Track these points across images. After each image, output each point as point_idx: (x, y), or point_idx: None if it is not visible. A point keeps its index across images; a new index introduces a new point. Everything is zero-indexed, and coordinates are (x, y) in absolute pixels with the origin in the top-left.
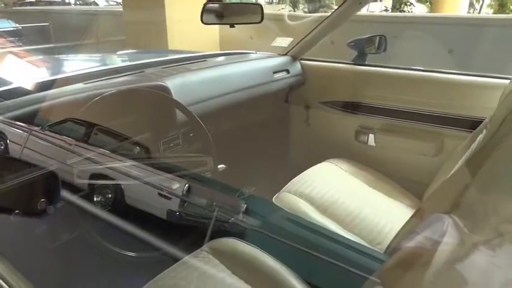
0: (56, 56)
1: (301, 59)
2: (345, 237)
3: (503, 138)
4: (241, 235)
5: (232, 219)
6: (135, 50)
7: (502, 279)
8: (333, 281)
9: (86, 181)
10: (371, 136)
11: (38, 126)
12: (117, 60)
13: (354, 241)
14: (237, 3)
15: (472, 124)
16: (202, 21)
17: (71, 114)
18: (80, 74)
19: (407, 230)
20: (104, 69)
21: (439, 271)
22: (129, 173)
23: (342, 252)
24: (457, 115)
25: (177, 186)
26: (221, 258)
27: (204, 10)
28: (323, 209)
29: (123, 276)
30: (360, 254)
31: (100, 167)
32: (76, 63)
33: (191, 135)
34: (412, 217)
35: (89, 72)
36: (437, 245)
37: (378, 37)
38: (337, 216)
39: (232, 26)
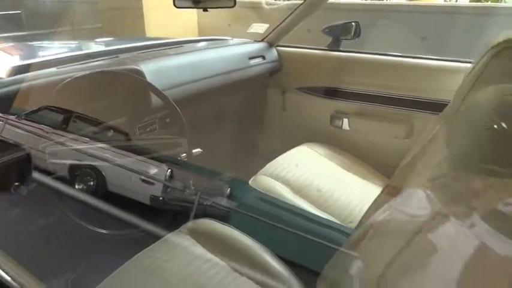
0: (29, 42)
1: (277, 46)
2: (317, 215)
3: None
4: (221, 217)
5: (212, 201)
6: (111, 38)
7: (469, 248)
8: (306, 254)
9: (67, 161)
10: (345, 120)
11: (13, 115)
12: (92, 46)
13: (325, 218)
14: None
15: (440, 107)
16: (175, 5)
17: (44, 99)
18: (53, 59)
19: (377, 206)
20: (78, 55)
21: (410, 240)
22: (110, 160)
23: (315, 229)
24: (425, 98)
25: (159, 171)
26: (198, 238)
27: None
28: (298, 191)
29: (102, 256)
30: (330, 230)
31: (80, 154)
32: (49, 50)
33: (167, 120)
34: (381, 193)
35: (62, 58)
36: (409, 217)
37: (352, 23)
38: (311, 197)
39: (205, 10)
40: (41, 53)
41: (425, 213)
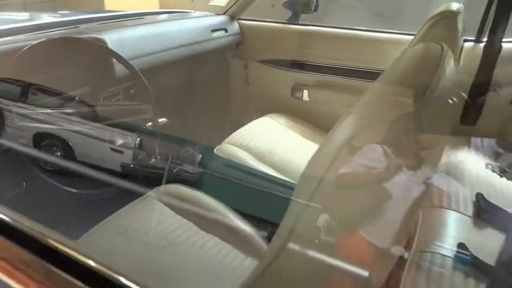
0: None
1: (239, 19)
2: (276, 176)
3: None
4: (190, 182)
5: (180, 168)
6: (68, 11)
7: (418, 192)
8: (267, 210)
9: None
10: (305, 92)
11: None
12: (47, 18)
13: (283, 179)
14: None
15: None
16: None
17: (1, 68)
18: (8, 29)
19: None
20: (34, 24)
21: (369, 189)
22: (75, 130)
23: (274, 188)
24: (376, 69)
25: (128, 140)
26: (165, 201)
27: None
28: (260, 157)
29: (74, 217)
30: (288, 189)
31: (43, 126)
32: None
33: (131, 91)
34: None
35: (17, 27)
36: (368, 169)
37: None
38: (273, 163)
39: None
40: None
41: (382, 166)
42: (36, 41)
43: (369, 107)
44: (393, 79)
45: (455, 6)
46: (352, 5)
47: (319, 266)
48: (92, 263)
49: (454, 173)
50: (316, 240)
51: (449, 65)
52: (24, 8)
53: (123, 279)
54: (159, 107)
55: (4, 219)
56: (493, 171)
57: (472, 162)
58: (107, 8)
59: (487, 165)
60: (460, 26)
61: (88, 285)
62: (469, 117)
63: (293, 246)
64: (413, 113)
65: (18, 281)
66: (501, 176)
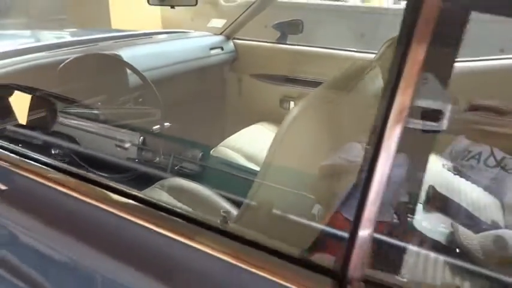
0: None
1: (234, 38)
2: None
3: None
4: (190, 176)
5: (181, 165)
6: (80, 29)
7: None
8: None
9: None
10: (291, 103)
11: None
12: (71, 36)
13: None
14: None
15: None
16: (148, 3)
17: (40, 78)
18: (40, 46)
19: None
20: (63, 42)
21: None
22: (85, 129)
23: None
24: None
25: (133, 138)
26: (169, 192)
27: None
28: (249, 158)
29: None
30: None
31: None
32: (23, 38)
33: (140, 100)
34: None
35: (48, 44)
36: (351, 162)
37: (296, 21)
38: (260, 162)
39: (172, 7)
40: (18, 41)
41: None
42: (72, 57)
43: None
44: (331, 84)
45: None
46: (337, 27)
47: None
48: None
49: None
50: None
51: (372, 77)
52: (39, 26)
53: None
54: (163, 112)
55: None
56: (448, 170)
57: (431, 162)
58: (113, 26)
59: (443, 165)
60: None
61: None
62: None
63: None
64: (341, 105)
65: None
66: (454, 174)
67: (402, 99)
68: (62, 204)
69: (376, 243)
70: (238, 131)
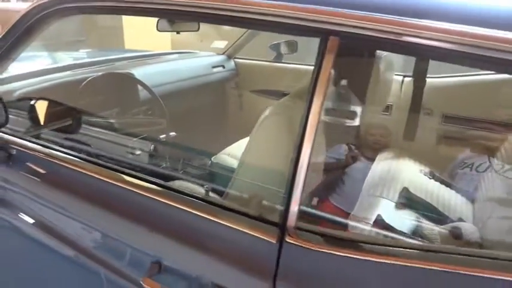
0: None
1: (234, 58)
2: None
3: None
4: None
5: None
6: (97, 50)
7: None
8: None
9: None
10: None
11: None
12: (92, 58)
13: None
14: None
15: None
16: (158, 29)
17: (63, 94)
18: (67, 65)
19: None
20: (86, 62)
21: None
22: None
23: None
24: None
25: (144, 146)
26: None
27: (159, 21)
28: None
29: None
30: None
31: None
32: (50, 59)
33: (149, 112)
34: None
35: (74, 64)
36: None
37: (291, 41)
38: None
39: (178, 32)
40: (44, 61)
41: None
42: (91, 77)
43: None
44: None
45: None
46: None
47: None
48: None
49: (393, 173)
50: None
51: None
52: (61, 47)
53: None
54: (171, 123)
55: None
56: (424, 175)
57: (409, 167)
58: (126, 46)
59: (420, 170)
60: (382, 67)
61: None
62: (409, 134)
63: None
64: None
65: None
66: (430, 179)
67: (318, 103)
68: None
69: (307, 203)
70: (237, 141)
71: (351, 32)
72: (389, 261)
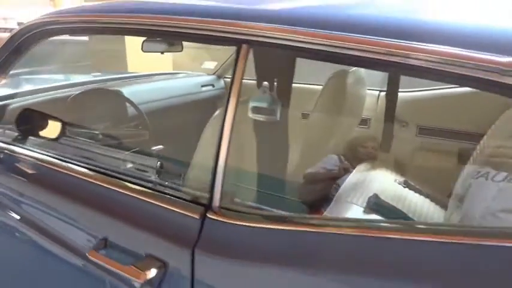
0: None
1: (224, 77)
2: None
3: None
4: None
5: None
6: (101, 73)
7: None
8: None
9: None
10: None
11: None
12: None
13: None
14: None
15: None
16: (143, 50)
17: (52, 108)
18: (64, 84)
19: None
20: (80, 82)
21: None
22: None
23: None
24: None
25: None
26: None
27: (144, 42)
28: None
29: None
30: None
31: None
32: (53, 82)
33: (140, 127)
34: None
35: (70, 83)
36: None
37: None
38: None
39: (162, 53)
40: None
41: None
42: (79, 91)
43: None
44: None
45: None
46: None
47: None
48: None
49: (368, 182)
50: None
51: None
52: (69, 70)
53: None
54: (154, 137)
55: None
56: (399, 184)
57: (384, 176)
58: (130, 69)
59: (395, 180)
60: (349, 81)
61: None
62: (386, 145)
63: None
64: None
65: None
66: (404, 187)
67: (234, 101)
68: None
69: (227, 189)
70: None
71: (259, 40)
72: (288, 228)
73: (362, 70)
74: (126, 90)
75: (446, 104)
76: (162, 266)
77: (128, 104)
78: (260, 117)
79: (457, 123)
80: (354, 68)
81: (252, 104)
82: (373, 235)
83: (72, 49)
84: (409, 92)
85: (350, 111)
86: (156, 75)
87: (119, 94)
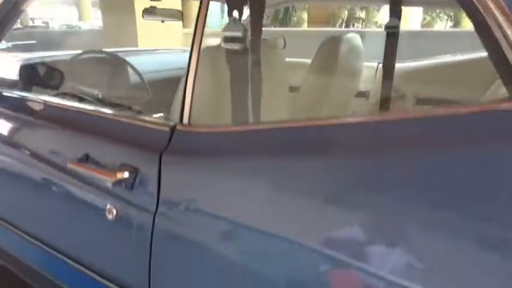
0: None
1: None
2: None
3: None
4: None
5: None
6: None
7: None
8: None
9: None
10: None
11: None
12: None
13: None
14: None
15: None
16: (143, 17)
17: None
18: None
19: None
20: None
21: None
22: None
23: None
24: None
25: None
26: None
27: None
28: None
29: None
30: None
31: None
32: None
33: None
34: None
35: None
36: None
37: (279, 39)
38: None
39: (162, 21)
40: None
41: None
42: (85, 55)
43: None
44: None
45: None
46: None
47: None
48: None
49: None
50: None
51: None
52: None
53: None
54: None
55: None
56: None
57: None
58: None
59: None
60: (342, 49)
61: None
62: None
63: None
64: None
65: None
66: None
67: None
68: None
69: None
70: None
71: None
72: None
73: (358, 39)
74: (129, 59)
75: (443, 74)
76: (134, 171)
77: (130, 71)
78: (230, 46)
79: (455, 93)
80: (348, 35)
81: (223, 34)
82: None
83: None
84: (407, 63)
85: (343, 81)
86: (161, 49)
87: (121, 59)
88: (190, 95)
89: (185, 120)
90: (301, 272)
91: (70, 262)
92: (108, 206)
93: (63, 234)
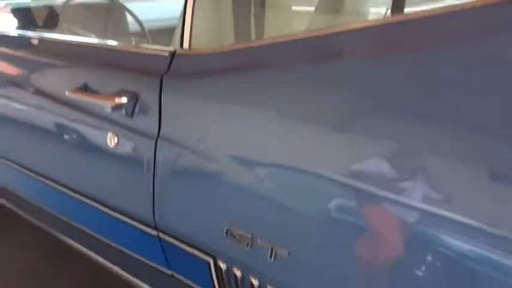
0: None
1: None
2: None
3: None
4: None
5: None
6: None
7: None
8: None
9: None
10: None
11: None
12: None
13: None
14: None
15: None
16: None
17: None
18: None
19: None
20: None
21: None
22: None
23: None
24: None
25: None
26: None
27: None
28: None
29: None
30: None
31: None
32: None
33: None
34: None
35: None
36: None
37: None
38: None
39: None
40: None
41: None
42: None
43: None
44: None
45: None
46: None
47: None
48: None
49: None
50: None
51: None
52: None
53: None
54: None
55: None
56: None
57: None
58: None
59: None
60: None
61: None
62: None
63: None
64: None
65: None
66: None
67: None
68: None
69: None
70: None
71: None
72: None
73: None
74: (131, 6)
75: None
76: (134, 96)
77: (129, 19)
78: None
79: None
80: None
81: None
82: None
83: None
84: (414, 9)
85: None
86: None
87: (119, 4)
88: (190, 20)
89: (185, 45)
90: (313, 201)
91: (73, 195)
92: (109, 135)
93: (66, 167)
